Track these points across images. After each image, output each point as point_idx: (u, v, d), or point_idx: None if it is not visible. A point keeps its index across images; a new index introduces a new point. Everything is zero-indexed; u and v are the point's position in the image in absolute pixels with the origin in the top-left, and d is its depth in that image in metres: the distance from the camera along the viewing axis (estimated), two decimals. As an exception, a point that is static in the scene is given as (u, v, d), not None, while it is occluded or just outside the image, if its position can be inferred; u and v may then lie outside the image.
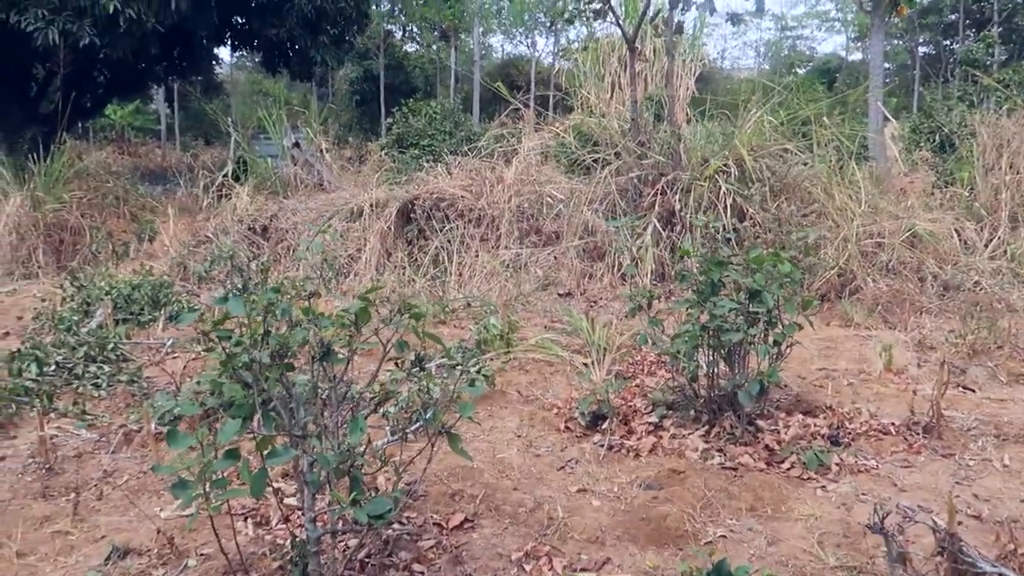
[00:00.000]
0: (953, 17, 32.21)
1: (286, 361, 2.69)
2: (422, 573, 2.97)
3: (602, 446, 3.98)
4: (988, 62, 17.12)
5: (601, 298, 6.93)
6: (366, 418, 2.67)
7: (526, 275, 7.48)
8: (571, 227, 7.87)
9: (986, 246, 7.09)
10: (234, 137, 13.24)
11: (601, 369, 4.90)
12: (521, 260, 7.73)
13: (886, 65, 31.70)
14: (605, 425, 4.14)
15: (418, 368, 3.01)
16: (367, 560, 3.05)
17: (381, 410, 4.08)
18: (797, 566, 2.95)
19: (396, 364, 2.90)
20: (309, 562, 2.69)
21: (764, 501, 3.43)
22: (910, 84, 28.64)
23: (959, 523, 3.15)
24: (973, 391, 4.61)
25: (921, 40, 34.28)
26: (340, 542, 3.09)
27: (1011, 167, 7.67)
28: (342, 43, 18.18)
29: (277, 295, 2.78)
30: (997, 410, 4.35)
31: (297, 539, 2.86)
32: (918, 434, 4.03)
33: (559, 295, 7.13)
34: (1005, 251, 7.02)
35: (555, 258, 7.70)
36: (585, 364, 4.98)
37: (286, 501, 3.46)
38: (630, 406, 4.44)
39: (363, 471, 3.45)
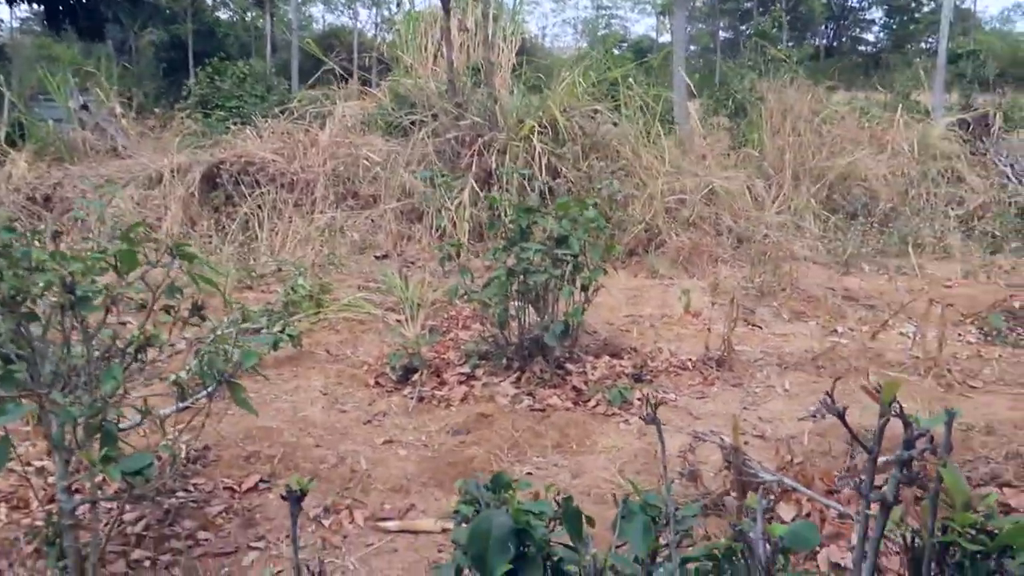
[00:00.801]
0: (748, 4, 35.06)
1: (25, 310, 2.33)
2: (208, 540, 2.72)
3: (412, 398, 3.87)
4: (776, 37, 18.71)
5: (419, 259, 6.80)
6: (125, 368, 2.37)
7: (342, 239, 7.19)
8: (388, 189, 7.66)
9: (773, 202, 7.71)
10: (8, 97, 11.67)
11: (414, 325, 4.77)
12: (337, 224, 7.41)
13: (692, 47, 33.87)
14: (416, 378, 4.03)
15: (197, 317, 2.72)
16: (144, 533, 2.75)
17: (169, 377, 3.72)
18: (599, 494, 3.00)
19: (167, 311, 2.60)
20: (64, 538, 2.36)
21: (570, 438, 3.47)
22: (712, 65, 30.72)
23: (745, 442, 3.36)
24: (760, 328, 4.96)
25: (721, 25, 37.00)
26: (114, 516, 2.76)
27: (793, 130, 8.38)
28: (139, 0, 16.62)
29: (12, 235, 2.41)
30: (780, 343, 4.70)
31: (52, 516, 2.52)
32: (712, 368, 4.26)
33: (376, 257, 6.92)
34: (789, 206, 7.67)
35: (372, 221, 7.47)
36: (398, 321, 4.84)
37: (51, 480, 3.06)
38: (443, 359, 4.36)
39: (135, 438, 3.12)
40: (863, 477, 0.99)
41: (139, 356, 2.37)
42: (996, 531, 0.92)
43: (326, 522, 2.82)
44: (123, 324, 2.92)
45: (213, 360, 2.81)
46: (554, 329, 3.85)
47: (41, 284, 2.30)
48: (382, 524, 2.82)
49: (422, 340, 4.34)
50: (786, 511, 2.79)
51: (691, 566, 1.49)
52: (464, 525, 1.35)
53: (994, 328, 4.95)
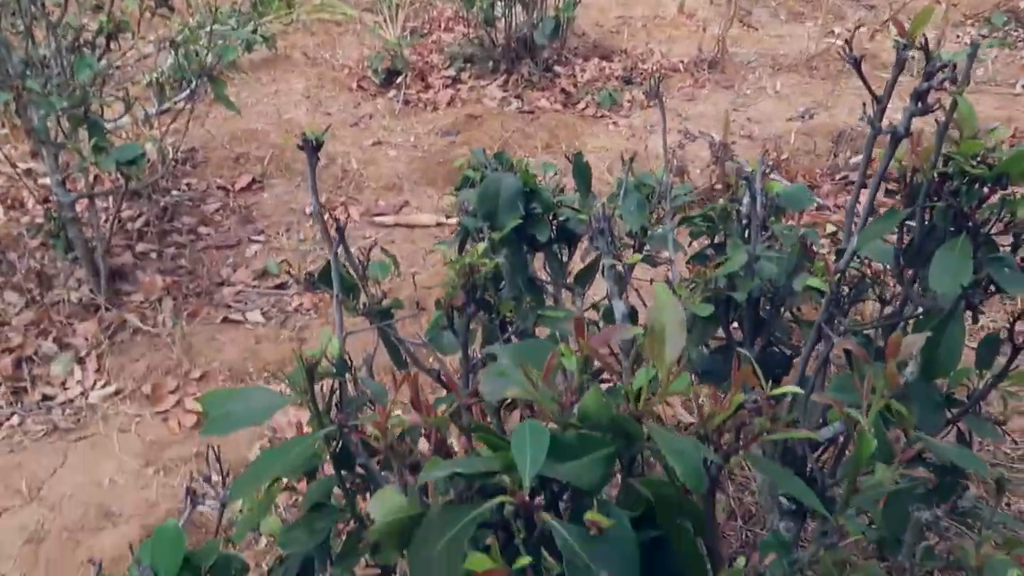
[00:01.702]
0: None
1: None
2: (209, 235, 2.81)
3: (398, 101, 3.78)
4: None
5: (393, -44, 6.24)
6: (100, 58, 2.25)
7: (306, -66, 6.51)
8: None
9: None
10: None
11: (394, 26, 4.51)
12: (298, -84, 6.66)
13: None
14: (400, 80, 3.90)
15: (165, 7, 2.53)
16: (145, 229, 2.82)
17: (143, 79, 3.58)
18: (587, 190, 3.06)
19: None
20: (68, 230, 2.42)
21: (559, 138, 3.47)
22: None
23: (733, 142, 3.38)
24: (756, 29, 4.75)
25: None
26: (112, 212, 2.82)
27: None
28: None
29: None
30: (775, 45, 4.54)
31: (52, 212, 2.55)
32: (704, 70, 4.15)
33: (345, -45, 6.33)
34: None
35: (337, -87, 6.70)
36: (376, 22, 4.56)
37: (42, 182, 3.06)
38: (427, 62, 4.19)
39: (120, 141, 3.08)
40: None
41: (110, 45, 2.24)
42: (996, 162, 0.96)
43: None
44: (83, 26, 2.72)
45: (190, 57, 2.68)
46: (544, 26, 3.66)
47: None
48: (378, 219, 2.91)
49: (403, 42, 4.13)
50: (769, 201, 2.89)
51: (686, 232, 1.58)
52: (471, 189, 1.38)
53: (994, 28, 4.78)
